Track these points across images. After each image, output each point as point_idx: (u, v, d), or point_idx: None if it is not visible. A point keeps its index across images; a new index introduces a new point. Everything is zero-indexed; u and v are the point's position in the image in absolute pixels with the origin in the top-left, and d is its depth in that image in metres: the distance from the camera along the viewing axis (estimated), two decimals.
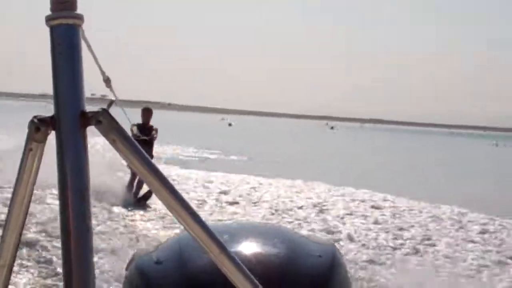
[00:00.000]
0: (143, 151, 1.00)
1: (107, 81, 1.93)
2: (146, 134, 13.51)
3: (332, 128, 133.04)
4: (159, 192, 1.00)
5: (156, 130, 13.78)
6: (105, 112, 0.97)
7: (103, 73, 1.73)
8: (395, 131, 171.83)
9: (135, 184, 13.49)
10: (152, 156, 13.02)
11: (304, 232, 9.57)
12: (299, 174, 20.23)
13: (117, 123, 0.98)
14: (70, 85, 0.97)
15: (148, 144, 13.27)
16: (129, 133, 1.00)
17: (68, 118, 0.96)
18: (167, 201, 1.00)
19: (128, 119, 10.18)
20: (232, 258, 1.01)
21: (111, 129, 0.97)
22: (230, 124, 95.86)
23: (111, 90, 2.14)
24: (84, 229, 0.94)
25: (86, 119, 0.97)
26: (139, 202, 13.05)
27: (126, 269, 2.80)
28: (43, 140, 0.98)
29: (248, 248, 2.61)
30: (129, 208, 12.33)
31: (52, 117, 0.97)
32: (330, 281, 2.62)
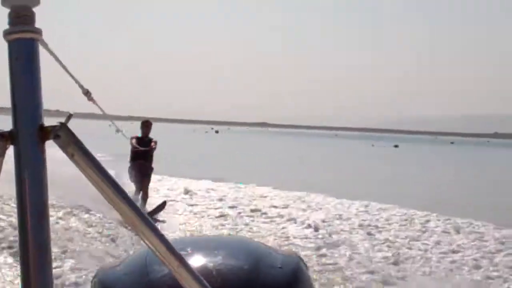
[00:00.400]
0: (102, 166, 1.00)
1: (87, 94, 1.78)
2: (145, 146, 13.47)
3: (217, 132, 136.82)
4: (118, 206, 1.00)
5: (156, 142, 13.67)
6: (63, 126, 0.97)
7: (81, 86, 1.61)
8: (281, 134, 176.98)
9: (140, 197, 13.39)
10: (152, 168, 13.70)
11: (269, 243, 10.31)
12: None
13: (75, 137, 0.98)
14: (28, 99, 0.96)
15: (147, 157, 13.53)
16: (88, 147, 1.00)
17: (27, 132, 0.95)
18: (127, 216, 1.00)
19: (121, 131, 8.55)
20: (191, 271, 1.02)
21: (70, 143, 0.97)
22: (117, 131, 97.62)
23: (95, 103, 1.97)
24: (43, 244, 0.94)
25: (44, 133, 0.96)
26: (163, 206, 13.54)
27: (91, 283, 2.85)
28: (2, 155, 0.97)
29: (210, 261, 2.63)
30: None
31: (10, 131, 0.96)
32: None
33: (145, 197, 13.49)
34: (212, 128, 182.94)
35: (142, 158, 13.32)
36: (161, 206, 13.64)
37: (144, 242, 1.02)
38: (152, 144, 13.54)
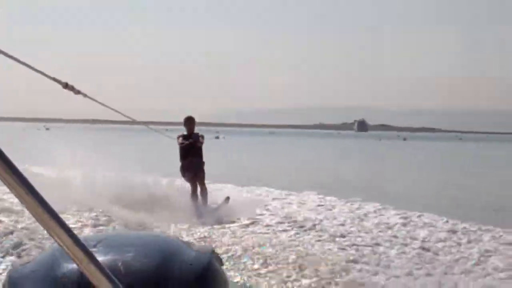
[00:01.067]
0: (11, 161, 0.98)
1: (68, 86, 1.51)
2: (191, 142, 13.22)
3: (47, 129, 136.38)
4: (27, 202, 0.98)
5: (202, 136, 13.34)
6: None
7: (58, 80, 1.39)
8: (111, 130, 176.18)
9: (198, 193, 13.16)
10: (203, 162, 13.27)
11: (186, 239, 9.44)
12: None
13: None
14: None
15: (196, 152, 13.19)
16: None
17: None
18: (36, 212, 0.99)
19: (160, 132, 10.11)
20: (100, 267, 1.03)
21: None
22: None
23: (87, 96, 1.71)
24: None
25: None
26: (227, 201, 13.26)
27: (3, 282, 2.86)
28: None
29: (119, 257, 2.62)
30: (205, 221, 11.73)
31: None
32: None
33: (204, 194, 13.18)
34: (44, 126, 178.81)
35: (191, 155, 13.09)
36: (225, 202, 13.36)
37: (53, 238, 1.02)
38: (199, 138, 13.28)
